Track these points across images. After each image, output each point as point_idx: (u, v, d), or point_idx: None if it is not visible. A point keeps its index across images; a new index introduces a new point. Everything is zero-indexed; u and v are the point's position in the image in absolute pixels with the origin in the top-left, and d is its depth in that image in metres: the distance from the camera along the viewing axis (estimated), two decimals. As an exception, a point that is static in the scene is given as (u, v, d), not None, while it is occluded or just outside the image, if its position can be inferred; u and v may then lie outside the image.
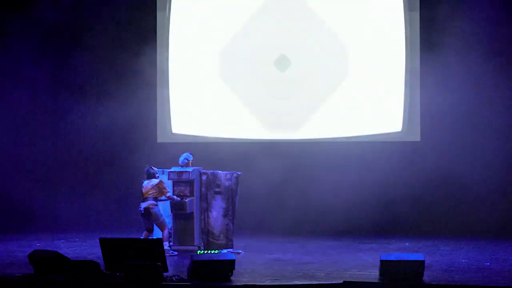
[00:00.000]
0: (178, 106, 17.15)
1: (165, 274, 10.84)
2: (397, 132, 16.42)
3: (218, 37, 16.95)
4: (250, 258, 13.11)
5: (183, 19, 17.14)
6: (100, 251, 11.29)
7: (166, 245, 13.35)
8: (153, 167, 13.79)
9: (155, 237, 13.08)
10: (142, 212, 13.48)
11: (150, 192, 13.52)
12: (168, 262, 11.11)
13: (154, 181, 13.63)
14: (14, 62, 17.09)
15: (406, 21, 16.26)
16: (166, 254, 11.99)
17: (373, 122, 16.44)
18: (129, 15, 17.23)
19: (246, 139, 16.93)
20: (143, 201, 13.54)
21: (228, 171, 14.03)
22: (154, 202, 13.48)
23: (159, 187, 13.57)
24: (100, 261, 11.05)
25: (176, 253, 13.47)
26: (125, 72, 17.18)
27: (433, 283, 10.62)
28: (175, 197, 13.80)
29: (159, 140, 17.28)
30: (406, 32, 16.27)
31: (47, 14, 16.75)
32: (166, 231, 13.53)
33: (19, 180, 17.21)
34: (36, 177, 17.31)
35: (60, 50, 17.45)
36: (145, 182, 13.68)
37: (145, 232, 13.57)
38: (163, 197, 13.64)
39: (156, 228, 13.66)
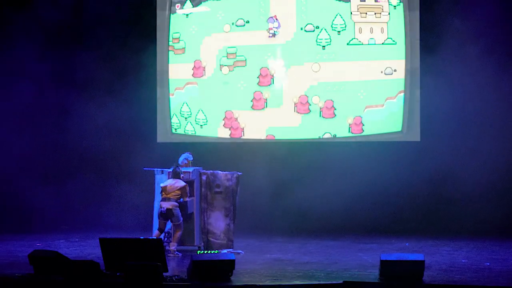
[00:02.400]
0: (177, 106, 17.17)
1: (165, 274, 10.84)
2: (397, 132, 16.43)
3: (218, 36, 16.97)
4: (250, 258, 13.11)
5: (183, 18, 17.16)
6: (100, 251, 11.28)
7: (174, 246, 13.34)
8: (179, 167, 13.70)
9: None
10: (164, 212, 13.36)
11: (175, 194, 13.44)
12: (168, 262, 11.12)
13: (181, 183, 13.51)
14: (18, 61, 17.11)
15: (406, 21, 16.27)
16: (170, 254, 12.02)
17: (373, 122, 16.44)
18: (130, 14, 17.24)
19: (246, 139, 16.93)
20: (163, 201, 13.41)
21: (228, 171, 14.04)
22: (176, 204, 13.41)
23: (183, 191, 13.49)
24: (100, 261, 11.05)
25: (180, 254, 13.43)
26: (126, 72, 17.19)
27: (433, 283, 10.62)
28: (181, 199, 13.73)
29: (159, 140, 17.28)
30: (406, 32, 16.27)
31: (48, 13, 16.76)
32: (180, 233, 13.47)
33: (19, 180, 17.21)
34: (36, 177, 17.29)
35: (61, 49, 17.43)
36: (171, 181, 13.52)
37: (156, 232, 13.49)
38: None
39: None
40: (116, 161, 17.26)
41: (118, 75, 17.22)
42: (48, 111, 17.59)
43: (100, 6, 17.16)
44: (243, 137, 16.92)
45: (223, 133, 16.97)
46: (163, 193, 13.47)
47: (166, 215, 13.36)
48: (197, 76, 17.10)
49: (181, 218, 13.44)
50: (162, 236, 13.47)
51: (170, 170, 13.92)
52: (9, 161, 17.21)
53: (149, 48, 17.10)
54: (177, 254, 13.29)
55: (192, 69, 17.10)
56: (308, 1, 16.69)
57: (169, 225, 13.90)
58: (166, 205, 13.35)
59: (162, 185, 13.59)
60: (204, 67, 17.06)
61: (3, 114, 17.35)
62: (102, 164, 17.40)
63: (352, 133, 16.53)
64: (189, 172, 13.88)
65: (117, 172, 17.24)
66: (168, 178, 13.66)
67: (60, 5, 16.92)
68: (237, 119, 16.92)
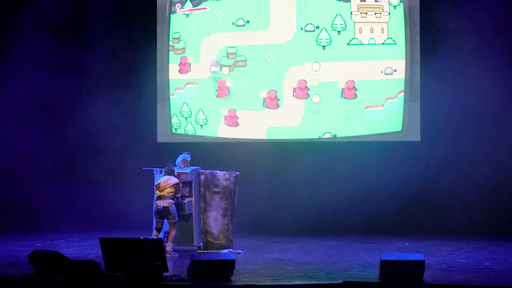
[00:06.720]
0: (178, 106, 17.18)
1: (165, 274, 10.84)
2: (397, 132, 16.43)
3: (218, 36, 16.98)
4: (250, 258, 13.11)
5: (183, 18, 17.16)
6: (100, 251, 11.29)
7: (171, 247, 13.33)
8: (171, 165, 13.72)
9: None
10: (161, 210, 13.37)
11: (169, 190, 13.45)
12: (168, 262, 11.11)
13: (174, 179, 13.53)
14: (20, 59, 17.12)
15: (406, 21, 16.27)
16: (167, 255, 12.00)
17: (373, 122, 16.44)
18: (130, 15, 17.25)
19: (246, 139, 16.93)
20: (159, 199, 13.44)
21: (227, 171, 14.04)
22: (172, 201, 13.43)
23: (177, 188, 13.51)
24: (100, 261, 11.05)
25: (177, 254, 13.44)
26: (126, 72, 17.18)
27: (433, 283, 10.63)
28: (180, 199, 13.75)
29: (159, 140, 17.28)
30: (406, 32, 16.27)
31: (50, 13, 16.79)
32: (175, 232, 13.47)
33: (19, 180, 17.20)
34: (35, 177, 17.27)
35: (62, 49, 17.41)
36: (164, 178, 13.55)
37: (154, 232, 13.49)
38: None
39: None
40: (116, 161, 17.24)
41: (118, 75, 17.21)
42: (47, 111, 17.55)
43: (100, 6, 17.15)
44: (243, 137, 16.92)
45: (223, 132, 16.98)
46: (157, 191, 13.50)
47: (163, 213, 13.37)
48: (183, 72, 17.07)
49: (177, 217, 13.46)
50: (161, 236, 13.47)
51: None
52: (8, 161, 17.20)
53: (149, 48, 17.10)
54: (174, 254, 13.29)
55: (179, 66, 17.09)
56: (308, 1, 16.69)
57: (167, 224, 13.89)
58: (162, 203, 13.38)
59: (156, 183, 13.61)
60: (190, 64, 17.04)
61: (3, 113, 17.34)
62: (102, 164, 17.37)
63: (345, 98, 16.46)
64: (187, 172, 13.87)
65: (117, 172, 17.23)
66: (162, 176, 13.69)
67: (62, 4, 16.94)
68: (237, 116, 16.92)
